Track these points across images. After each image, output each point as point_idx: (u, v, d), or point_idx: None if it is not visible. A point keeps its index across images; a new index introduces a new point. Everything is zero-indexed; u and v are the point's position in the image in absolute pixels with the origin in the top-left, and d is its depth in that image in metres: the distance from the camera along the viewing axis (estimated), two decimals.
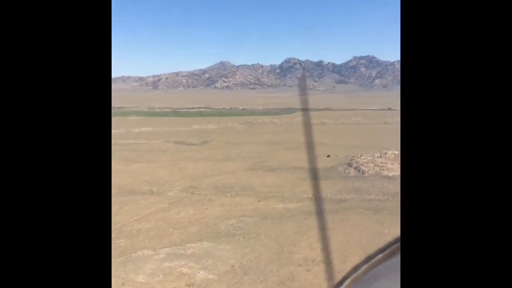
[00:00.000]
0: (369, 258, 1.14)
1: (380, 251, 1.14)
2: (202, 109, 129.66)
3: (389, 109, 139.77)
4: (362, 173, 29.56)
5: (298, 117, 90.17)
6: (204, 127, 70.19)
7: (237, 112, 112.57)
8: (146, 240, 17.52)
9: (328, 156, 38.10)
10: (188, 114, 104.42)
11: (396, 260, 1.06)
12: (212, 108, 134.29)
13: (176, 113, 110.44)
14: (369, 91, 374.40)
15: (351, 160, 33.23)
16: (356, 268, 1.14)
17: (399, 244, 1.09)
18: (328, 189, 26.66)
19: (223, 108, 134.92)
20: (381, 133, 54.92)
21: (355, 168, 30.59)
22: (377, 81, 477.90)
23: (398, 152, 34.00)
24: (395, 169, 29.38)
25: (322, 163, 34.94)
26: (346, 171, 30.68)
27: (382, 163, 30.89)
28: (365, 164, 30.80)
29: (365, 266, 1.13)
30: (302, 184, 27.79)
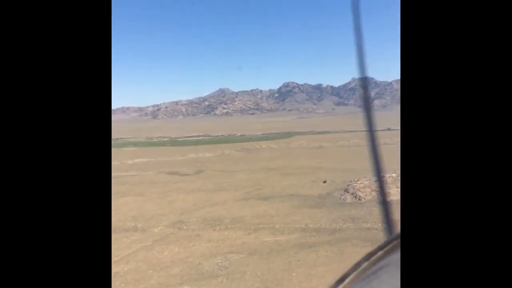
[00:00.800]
0: (370, 255, 1.11)
1: (381, 247, 1.12)
2: (200, 137, 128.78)
3: (388, 129, 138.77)
4: (359, 199, 28.22)
5: (295, 141, 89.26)
6: (201, 155, 69.11)
7: (235, 139, 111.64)
8: (122, 285, 16.15)
9: (325, 181, 36.80)
10: (185, 143, 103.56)
11: (397, 256, 1.06)
12: (211, 136, 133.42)
13: (173, 142, 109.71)
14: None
15: (348, 185, 31.93)
16: (356, 265, 1.12)
17: (399, 240, 1.09)
18: (322, 218, 25.25)
19: (222, 135, 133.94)
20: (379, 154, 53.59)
21: (352, 194, 29.27)
22: (376, 101, 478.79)
23: (395, 175, 32.69)
24: (392, 193, 27.65)
25: (318, 189, 33.62)
26: (343, 197, 29.35)
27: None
28: (362, 190, 29.49)
29: (366, 263, 1.11)
30: (295, 213, 26.40)
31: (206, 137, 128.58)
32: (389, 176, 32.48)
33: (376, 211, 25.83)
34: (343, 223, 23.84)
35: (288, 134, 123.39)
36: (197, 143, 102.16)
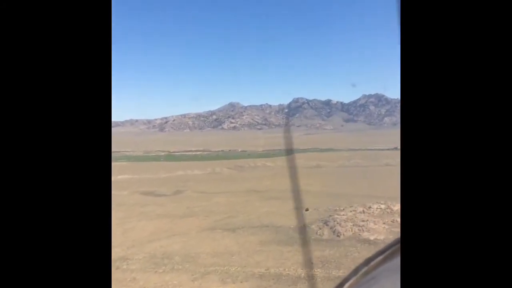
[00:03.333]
0: (369, 260, 1.12)
1: (380, 252, 1.12)
2: (199, 152, 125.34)
3: (395, 148, 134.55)
4: (337, 235, 24.08)
5: (294, 159, 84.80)
6: (189, 173, 65.37)
7: (233, 155, 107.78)
8: None
9: (307, 209, 32.67)
10: (181, 158, 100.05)
11: (397, 261, 1.06)
12: (211, 151, 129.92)
13: (169, 157, 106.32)
14: (378, 129, 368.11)
15: (330, 216, 27.81)
16: (356, 270, 1.13)
17: (399, 245, 1.08)
18: (290, 259, 21.18)
19: (222, 151, 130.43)
20: (377, 177, 49.34)
21: (331, 228, 25.13)
22: (386, 119, 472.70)
23: (384, 206, 28.52)
24: (377, 230, 23.87)
25: (296, 219, 29.50)
26: (319, 231, 25.22)
27: (363, 221, 25.45)
28: (343, 223, 25.38)
29: (365, 268, 1.12)
30: (260, 251, 22.38)
31: (205, 152, 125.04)
32: (377, 208, 28.36)
33: (354, 252, 21.76)
34: (311, 268, 19.75)
35: (290, 151, 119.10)
36: (192, 158, 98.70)
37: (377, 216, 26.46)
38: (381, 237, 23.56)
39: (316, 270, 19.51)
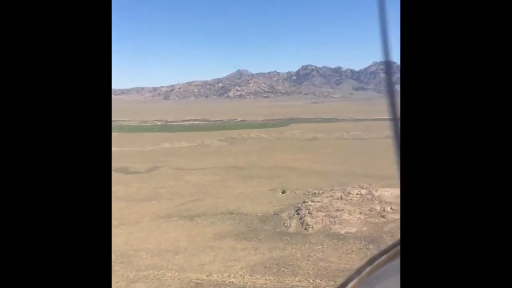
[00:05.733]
0: (373, 260, 1.14)
1: (383, 253, 1.14)
2: (196, 122, 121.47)
3: None
4: (306, 228, 20.52)
5: (290, 130, 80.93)
6: (176, 145, 61.95)
7: (231, 125, 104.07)
8: None
9: (283, 192, 29.06)
10: (175, 128, 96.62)
11: (399, 261, 1.07)
12: (209, 121, 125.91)
13: (163, 127, 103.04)
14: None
15: (304, 202, 24.13)
16: (359, 270, 1.14)
17: None
18: (241, 260, 17.69)
19: (221, 120, 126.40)
20: (373, 152, 45.25)
21: (301, 218, 21.52)
22: (397, 86, 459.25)
23: (365, 192, 24.70)
24: (350, 222, 20.20)
25: (268, 204, 25.92)
26: (287, 222, 21.63)
27: (337, 210, 21.78)
28: (315, 212, 21.73)
29: (369, 267, 1.14)
30: (210, 248, 18.93)
31: (202, 122, 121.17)
32: (357, 193, 24.68)
33: (318, 252, 18.17)
34: (261, 274, 16.18)
35: (291, 121, 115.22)
36: (188, 129, 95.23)
37: (355, 204, 22.73)
38: (353, 230, 19.90)
39: (267, 277, 16.02)
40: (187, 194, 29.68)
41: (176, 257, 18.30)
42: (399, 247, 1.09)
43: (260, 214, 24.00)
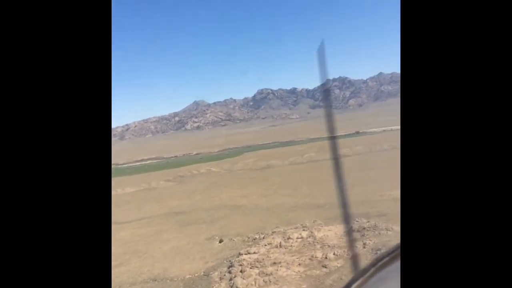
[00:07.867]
0: (377, 260, 1.13)
1: (387, 254, 1.14)
2: (150, 161, 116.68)
3: (357, 132, 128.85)
4: None
5: (243, 160, 77.81)
6: (119, 192, 57.65)
7: (183, 161, 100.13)
8: None
9: (221, 241, 25.64)
10: (124, 172, 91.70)
11: None
12: (163, 158, 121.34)
13: (112, 171, 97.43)
14: (344, 113, 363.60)
15: (239, 255, 20.78)
16: (363, 270, 1.13)
17: None
18: None
19: (175, 156, 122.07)
20: (325, 175, 42.68)
21: (230, 280, 18.12)
22: (351, 101, 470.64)
23: (306, 234, 21.70)
24: (287, 280, 16.95)
25: (200, 261, 22.39)
26: (216, 287, 18.08)
27: (274, 263, 18.57)
28: (248, 269, 18.43)
29: (373, 268, 1.13)
30: None
31: (155, 161, 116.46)
32: (298, 237, 21.62)
33: None
34: None
35: (249, 148, 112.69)
36: (138, 170, 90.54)
37: (294, 252, 19.62)
38: None
39: None
40: (112, 257, 25.68)
41: None
42: None
43: (188, 276, 20.46)
